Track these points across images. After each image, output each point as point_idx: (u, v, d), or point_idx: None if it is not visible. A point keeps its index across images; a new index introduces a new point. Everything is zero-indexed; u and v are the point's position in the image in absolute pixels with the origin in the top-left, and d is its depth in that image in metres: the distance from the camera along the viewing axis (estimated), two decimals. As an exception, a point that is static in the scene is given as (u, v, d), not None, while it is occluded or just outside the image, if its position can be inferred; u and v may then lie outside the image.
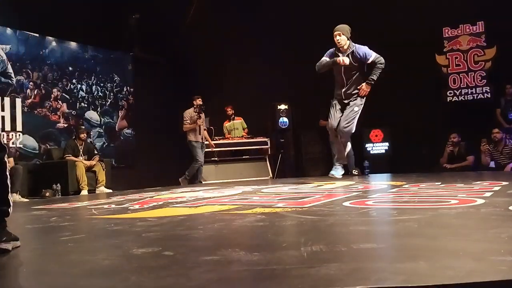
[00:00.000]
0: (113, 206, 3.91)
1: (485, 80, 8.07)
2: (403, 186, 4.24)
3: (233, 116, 9.12)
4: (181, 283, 1.29)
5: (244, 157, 8.91)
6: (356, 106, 5.22)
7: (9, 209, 1.85)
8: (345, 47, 5.21)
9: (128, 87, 9.66)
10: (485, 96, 8.07)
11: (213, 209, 3.18)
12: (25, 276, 1.48)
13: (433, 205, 2.65)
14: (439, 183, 4.29)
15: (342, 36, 5.16)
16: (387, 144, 8.52)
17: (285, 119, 9.01)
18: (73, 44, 8.78)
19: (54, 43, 8.41)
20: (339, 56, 5.27)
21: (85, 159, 7.56)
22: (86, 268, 1.55)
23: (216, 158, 8.71)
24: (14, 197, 6.00)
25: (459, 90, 8.25)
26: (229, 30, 9.71)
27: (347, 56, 5.25)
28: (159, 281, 1.32)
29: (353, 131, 5.30)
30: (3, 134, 2.03)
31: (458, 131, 7.46)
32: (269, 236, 1.99)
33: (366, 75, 5.35)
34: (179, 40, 10.09)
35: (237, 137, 8.95)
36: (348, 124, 5.24)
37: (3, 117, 7.39)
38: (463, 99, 8.21)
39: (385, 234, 1.85)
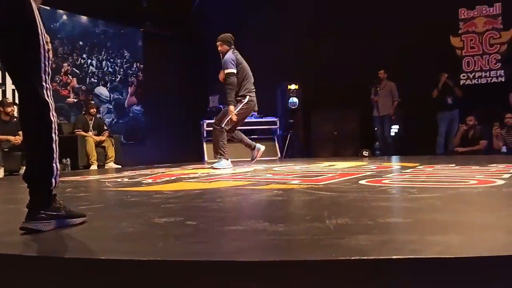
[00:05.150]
0: (125, 179, 3.91)
1: (500, 64, 7.95)
2: (417, 167, 4.21)
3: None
4: (211, 250, 1.27)
5: (252, 136, 8.86)
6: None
7: (53, 179, 1.60)
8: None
9: (138, 63, 9.59)
10: (499, 80, 7.95)
11: (227, 184, 3.17)
12: (53, 239, 1.47)
13: (452, 185, 2.62)
14: (454, 165, 4.26)
15: (222, 46, 5.25)
16: (397, 126, 8.45)
17: (295, 99, 8.93)
18: (84, 18, 8.69)
19: (65, 17, 8.33)
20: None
21: (94, 134, 7.55)
22: (111, 233, 1.54)
23: (224, 137, 8.67)
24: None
25: (473, 73, 8.13)
26: (241, 7, 9.59)
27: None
28: (188, 248, 1.31)
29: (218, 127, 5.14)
30: (47, 87, 1.64)
31: (470, 114, 7.39)
32: (291, 209, 1.97)
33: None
34: (190, 16, 9.99)
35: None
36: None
37: (13, 90, 7.37)
38: (477, 82, 8.09)
39: (409, 209, 1.82)
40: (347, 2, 8.57)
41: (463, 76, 8.16)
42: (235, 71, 5.10)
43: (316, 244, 1.32)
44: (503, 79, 7.91)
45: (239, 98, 5.16)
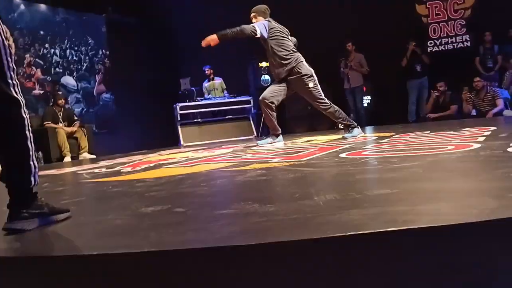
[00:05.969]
0: (103, 170, 3.84)
1: (465, 29, 8.08)
2: (393, 136, 4.26)
3: (212, 76, 8.97)
4: (204, 237, 1.26)
5: (227, 117, 8.82)
6: (311, 82, 4.77)
7: (32, 177, 1.56)
8: None
9: (103, 50, 9.36)
10: (465, 45, 8.10)
11: (209, 167, 3.15)
12: (38, 238, 1.43)
13: (430, 152, 2.67)
14: (428, 131, 4.34)
15: (257, 18, 4.88)
16: (369, 97, 8.54)
17: (267, 77, 8.90)
18: (42, 7, 8.38)
19: (22, 6, 8.01)
20: None
21: (65, 126, 7.37)
22: (99, 228, 1.50)
23: (199, 120, 8.61)
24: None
25: (439, 40, 8.25)
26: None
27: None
28: (180, 237, 1.29)
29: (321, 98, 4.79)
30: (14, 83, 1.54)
31: (440, 80, 7.52)
32: (277, 188, 1.97)
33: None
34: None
35: (219, 97, 8.83)
36: (316, 100, 4.80)
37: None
38: (444, 48, 8.22)
39: (394, 180, 1.84)
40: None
41: (430, 43, 8.27)
42: (259, 33, 4.65)
43: (309, 222, 1.32)
44: (469, 44, 8.04)
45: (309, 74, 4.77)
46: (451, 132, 4.04)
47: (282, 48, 4.76)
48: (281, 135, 5.06)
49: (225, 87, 8.99)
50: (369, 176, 2.03)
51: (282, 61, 4.77)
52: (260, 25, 4.74)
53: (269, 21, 4.86)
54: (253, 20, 4.92)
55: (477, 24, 7.88)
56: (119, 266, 1.15)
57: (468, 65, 7.63)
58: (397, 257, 1.09)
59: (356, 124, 4.93)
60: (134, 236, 1.34)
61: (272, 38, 4.76)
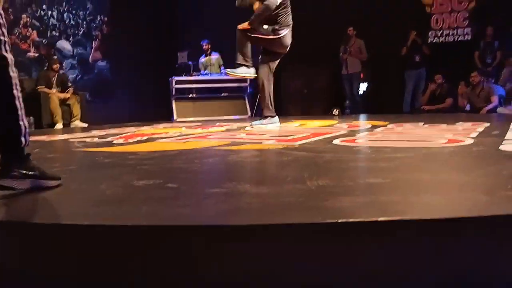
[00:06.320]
0: (96, 139, 3.82)
1: (467, 21, 8.03)
2: (388, 126, 4.27)
3: (209, 51, 8.88)
4: (197, 213, 1.26)
5: (222, 94, 8.76)
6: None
7: (22, 137, 1.53)
8: None
9: (101, 16, 9.19)
10: (466, 38, 8.06)
11: (202, 144, 3.14)
12: (28, 204, 1.42)
13: (423, 144, 2.68)
14: (422, 123, 4.35)
15: None
16: (366, 84, 8.53)
17: (265, 56, 8.81)
18: (42, -33, 8.20)
19: (20, -35, 7.83)
20: None
21: (58, 91, 7.29)
22: (91, 197, 1.50)
23: (193, 95, 8.55)
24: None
25: (441, 31, 8.20)
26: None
27: None
28: (173, 211, 1.30)
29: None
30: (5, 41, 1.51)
31: (437, 72, 7.51)
32: (270, 170, 1.98)
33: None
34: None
35: (215, 73, 8.76)
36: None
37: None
38: (444, 40, 8.18)
39: (387, 170, 1.85)
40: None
41: (431, 34, 8.22)
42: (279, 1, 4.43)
43: (301, 206, 1.33)
44: (469, 37, 8.01)
45: (277, 29, 4.56)
46: (445, 125, 4.05)
47: (285, 16, 4.62)
48: (277, 116, 5.02)
49: (222, 63, 8.91)
50: (362, 164, 2.04)
51: (274, 25, 4.58)
52: None
53: None
54: None
55: (480, 17, 7.83)
56: (111, 238, 1.16)
57: (467, 58, 7.61)
58: (387, 247, 1.10)
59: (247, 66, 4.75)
60: (126, 207, 1.34)
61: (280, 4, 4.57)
